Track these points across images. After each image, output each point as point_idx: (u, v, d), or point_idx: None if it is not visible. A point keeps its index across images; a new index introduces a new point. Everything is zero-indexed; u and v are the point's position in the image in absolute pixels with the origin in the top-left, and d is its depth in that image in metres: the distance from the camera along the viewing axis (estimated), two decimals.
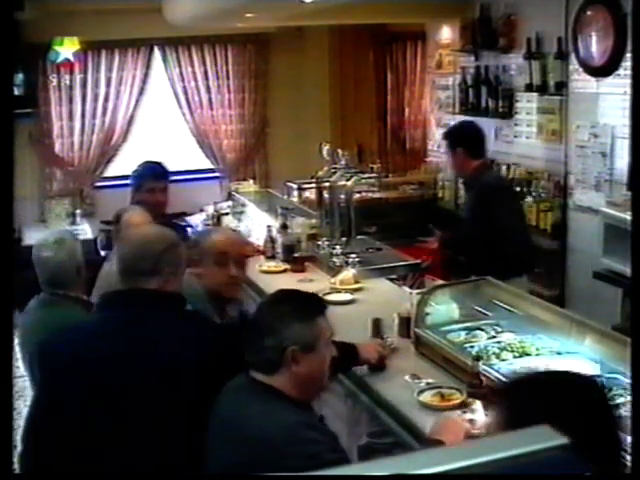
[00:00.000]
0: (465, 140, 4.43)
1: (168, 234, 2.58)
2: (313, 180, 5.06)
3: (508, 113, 5.63)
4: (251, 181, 7.29)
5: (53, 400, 2.33)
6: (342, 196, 4.60)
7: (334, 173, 4.63)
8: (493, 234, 4.17)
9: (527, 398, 1.62)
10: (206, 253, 3.00)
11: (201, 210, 6.49)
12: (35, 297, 3.31)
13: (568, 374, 1.87)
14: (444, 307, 3.25)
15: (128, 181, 4.58)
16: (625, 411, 2.28)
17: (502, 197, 4.44)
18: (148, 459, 2.23)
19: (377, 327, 3.02)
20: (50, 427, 2.29)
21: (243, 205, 5.95)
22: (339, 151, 4.72)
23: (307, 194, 5.67)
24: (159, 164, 4.53)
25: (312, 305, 2.24)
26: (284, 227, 4.76)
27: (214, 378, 2.24)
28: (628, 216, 3.66)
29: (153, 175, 4.39)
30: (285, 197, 5.99)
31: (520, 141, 5.59)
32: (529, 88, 5.31)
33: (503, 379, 1.74)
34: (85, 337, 2.40)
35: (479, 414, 2.42)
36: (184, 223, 6.08)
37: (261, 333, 2.17)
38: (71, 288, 3.27)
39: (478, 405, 2.46)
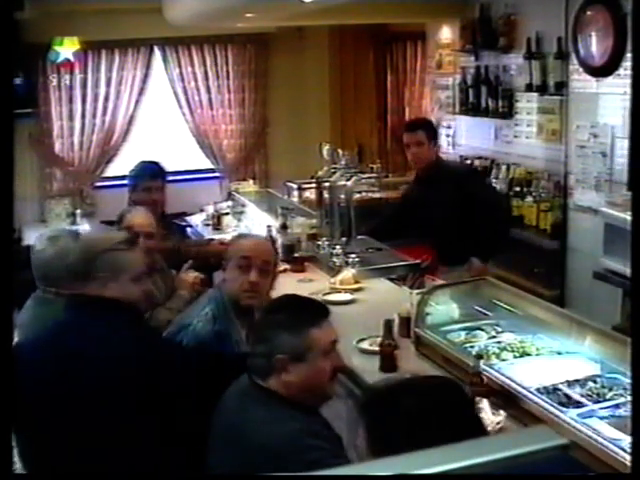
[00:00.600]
0: (436, 133, 4.69)
1: (109, 238, 2.58)
2: (313, 180, 5.06)
3: (508, 113, 5.62)
4: (251, 181, 7.29)
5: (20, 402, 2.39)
6: (342, 196, 4.59)
7: (334, 173, 4.63)
8: (472, 218, 4.31)
9: (385, 409, 1.62)
10: (231, 257, 2.92)
11: (201, 210, 6.49)
12: (32, 295, 3.31)
13: (423, 378, 1.88)
14: (444, 307, 3.25)
15: (126, 181, 4.58)
16: (625, 411, 2.29)
17: (482, 180, 4.84)
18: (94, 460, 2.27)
19: (389, 328, 3.02)
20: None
21: (243, 205, 5.95)
22: (339, 151, 4.72)
23: (307, 194, 5.67)
24: (155, 163, 4.52)
25: (306, 315, 2.21)
26: (284, 227, 4.76)
27: (142, 384, 2.27)
28: (628, 216, 3.66)
29: (149, 174, 4.39)
30: (285, 197, 5.99)
31: (520, 141, 5.59)
32: (529, 88, 5.31)
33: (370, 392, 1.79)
34: (33, 340, 2.54)
35: (485, 412, 2.42)
36: (184, 223, 6.09)
37: (256, 339, 2.22)
38: (62, 286, 3.23)
39: (484, 403, 2.46)
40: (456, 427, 1.48)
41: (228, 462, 2.14)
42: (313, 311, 2.25)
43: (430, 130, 4.59)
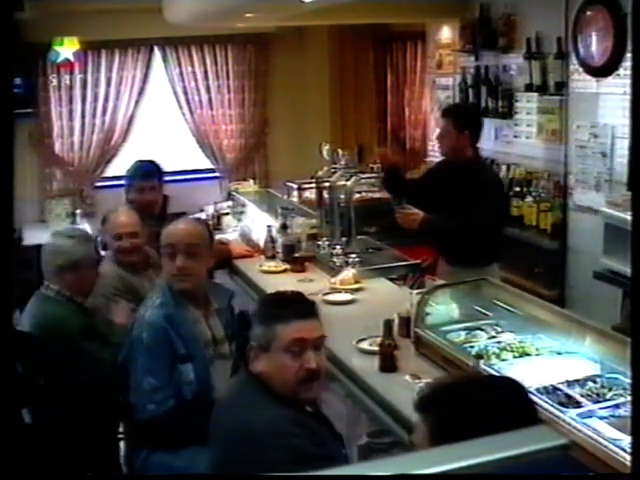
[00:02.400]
0: (470, 123, 4.21)
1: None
2: (313, 180, 5.05)
3: (508, 113, 5.62)
4: (251, 181, 7.28)
5: None
6: (342, 196, 4.59)
7: (334, 173, 4.62)
8: (486, 223, 4.06)
9: (450, 406, 1.62)
10: (162, 245, 3.08)
11: (201, 210, 6.48)
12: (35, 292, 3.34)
13: (483, 377, 1.88)
14: (444, 307, 3.25)
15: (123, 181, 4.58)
16: (625, 411, 2.29)
17: (503, 188, 4.66)
18: None
19: (389, 328, 3.02)
20: None
21: (243, 205, 5.94)
22: (339, 151, 4.72)
23: (307, 194, 5.66)
24: (151, 162, 4.52)
25: (277, 309, 2.26)
26: (284, 227, 4.75)
27: None
28: (628, 216, 3.66)
29: (143, 174, 4.39)
30: (285, 197, 5.98)
31: (520, 141, 5.59)
32: (529, 88, 5.31)
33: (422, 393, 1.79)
34: None
35: None
36: None
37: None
38: (56, 284, 3.23)
39: None
40: (517, 426, 1.48)
41: (220, 446, 2.22)
42: (288, 307, 2.26)
43: (460, 119, 4.18)
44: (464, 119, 4.21)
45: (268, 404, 2.15)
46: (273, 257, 4.65)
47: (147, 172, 4.41)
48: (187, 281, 2.99)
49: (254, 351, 2.23)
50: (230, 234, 5.45)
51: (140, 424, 2.92)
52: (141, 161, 4.57)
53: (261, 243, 4.82)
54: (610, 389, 2.45)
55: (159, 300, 2.97)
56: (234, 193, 6.47)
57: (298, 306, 2.29)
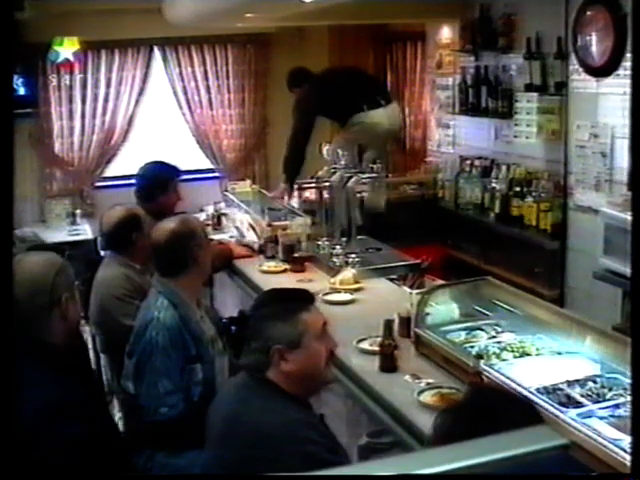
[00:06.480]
0: None
1: (53, 258, 2.31)
2: (313, 180, 5.05)
3: (508, 113, 5.62)
4: (248, 181, 7.28)
5: None
6: (342, 196, 4.59)
7: (334, 173, 4.62)
8: None
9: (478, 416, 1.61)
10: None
11: (201, 210, 6.48)
12: None
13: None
14: (444, 307, 3.25)
15: (133, 181, 4.50)
16: (625, 411, 2.29)
17: None
18: None
19: (389, 328, 3.01)
20: None
21: (239, 205, 5.94)
22: (339, 151, 4.72)
23: (307, 194, 5.66)
24: (167, 163, 4.53)
25: (294, 302, 2.27)
26: (284, 227, 4.75)
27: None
28: (628, 216, 3.66)
29: (178, 173, 4.40)
30: (271, 195, 6.02)
31: (520, 141, 5.58)
32: (529, 88, 5.30)
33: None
34: None
35: None
36: None
37: (250, 336, 2.25)
38: None
39: None
40: None
41: (227, 453, 2.16)
42: (299, 298, 2.31)
43: None
44: None
45: (281, 409, 2.13)
46: (273, 257, 4.65)
47: (179, 171, 4.43)
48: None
49: (279, 353, 2.16)
50: (228, 234, 5.45)
51: (149, 426, 2.91)
52: (162, 162, 4.53)
53: (249, 242, 4.85)
54: (610, 389, 2.45)
55: (166, 301, 2.94)
56: (226, 193, 6.47)
57: (304, 294, 2.36)
